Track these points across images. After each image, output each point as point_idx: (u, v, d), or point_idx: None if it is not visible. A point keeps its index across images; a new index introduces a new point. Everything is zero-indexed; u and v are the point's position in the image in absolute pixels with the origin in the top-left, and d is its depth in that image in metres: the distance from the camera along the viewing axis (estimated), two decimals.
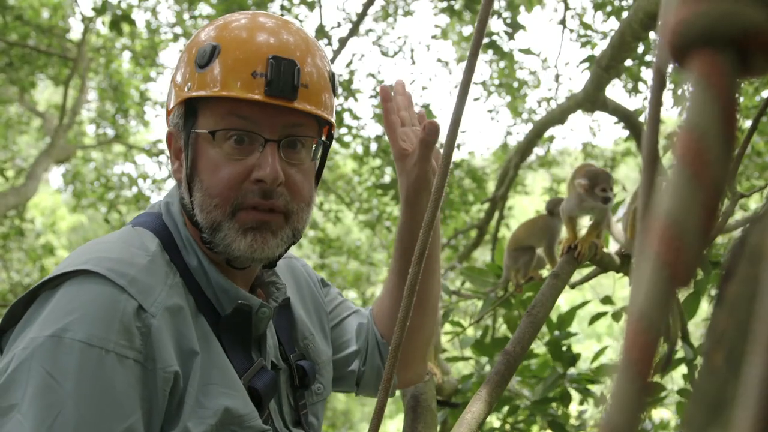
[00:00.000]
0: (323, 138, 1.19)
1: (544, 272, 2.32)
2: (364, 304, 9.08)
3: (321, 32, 5.98)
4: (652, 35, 3.23)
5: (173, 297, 1.00)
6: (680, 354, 2.08)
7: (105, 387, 0.89)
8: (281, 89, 1.05)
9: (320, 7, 5.87)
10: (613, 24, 6.13)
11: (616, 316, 2.30)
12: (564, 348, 2.32)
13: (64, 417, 0.86)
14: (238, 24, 1.11)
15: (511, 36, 5.68)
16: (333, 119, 1.16)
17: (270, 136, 1.07)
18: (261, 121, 1.06)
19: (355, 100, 6.56)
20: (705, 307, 2.22)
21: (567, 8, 6.79)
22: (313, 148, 1.16)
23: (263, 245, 1.07)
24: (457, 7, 5.71)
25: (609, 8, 5.82)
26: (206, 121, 1.08)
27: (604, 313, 2.38)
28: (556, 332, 2.32)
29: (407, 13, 8.15)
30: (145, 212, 1.18)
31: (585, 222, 2.09)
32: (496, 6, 5.63)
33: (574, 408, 2.69)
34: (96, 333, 0.90)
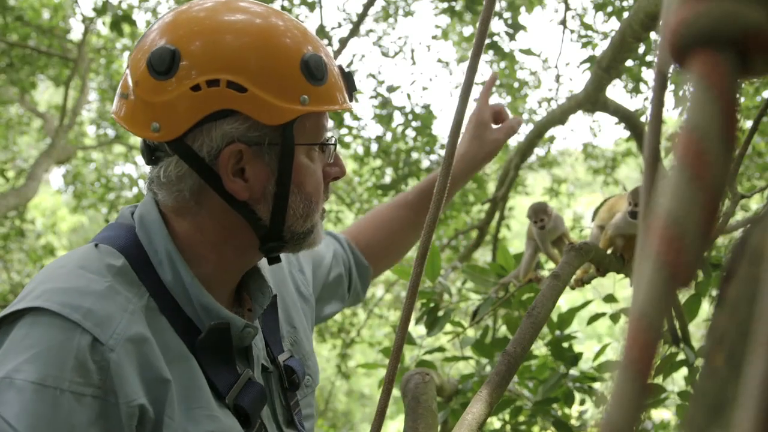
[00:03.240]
0: None
1: (545, 272, 2.32)
2: (365, 304, 9.08)
3: (321, 33, 5.98)
4: (652, 36, 3.24)
5: (135, 325, 0.95)
6: (681, 356, 2.08)
7: (62, 428, 0.86)
8: (351, 96, 1.13)
9: (320, 7, 5.87)
10: (614, 24, 6.14)
11: (614, 318, 2.31)
12: (565, 347, 2.32)
13: None
14: (299, 25, 1.09)
15: (511, 36, 5.68)
16: None
17: (332, 138, 1.14)
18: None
19: (356, 100, 6.56)
20: (706, 308, 2.22)
21: (567, 9, 6.79)
22: None
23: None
24: (457, 7, 5.71)
25: (610, 9, 5.82)
26: (303, 130, 1.07)
27: (603, 314, 2.38)
28: (557, 332, 2.32)
29: (408, 14, 8.15)
30: (112, 224, 1.12)
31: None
32: (496, 7, 5.63)
33: (575, 408, 2.68)
34: (49, 372, 0.87)
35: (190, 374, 1.00)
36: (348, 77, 1.12)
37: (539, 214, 2.25)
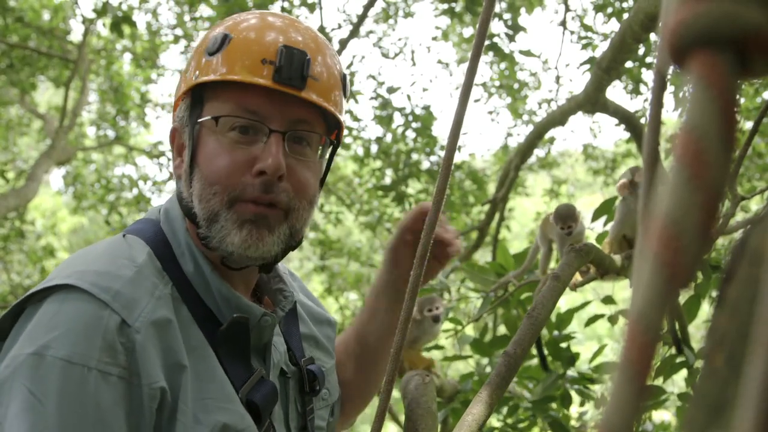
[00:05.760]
0: (332, 139, 1.17)
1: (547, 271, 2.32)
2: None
3: (321, 34, 5.97)
4: (652, 37, 3.24)
5: (160, 309, 0.97)
6: (681, 357, 2.08)
7: (88, 405, 0.87)
8: (290, 77, 1.03)
9: (321, 8, 5.88)
10: (614, 25, 6.14)
11: (612, 319, 2.31)
12: (563, 347, 2.32)
13: None
14: (251, 19, 1.11)
15: (511, 38, 5.68)
16: (342, 118, 1.14)
17: (276, 126, 1.04)
18: (267, 111, 1.04)
19: (356, 102, 6.56)
20: (706, 310, 2.22)
21: (567, 10, 6.80)
22: (320, 148, 1.15)
23: (258, 241, 1.04)
24: (458, 9, 5.71)
25: (609, 10, 5.83)
26: (211, 109, 1.06)
27: (602, 315, 2.38)
28: (555, 332, 2.33)
29: (408, 15, 8.16)
30: (141, 219, 1.15)
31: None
32: (496, 8, 5.63)
33: (574, 410, 2.68)
34: (78, 350, 0.88)
35: (207, 364, 1.01)
36: (296, 61, 1.04)
37: (567, 221, 2.16)
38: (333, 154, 1.21)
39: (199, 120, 1.06)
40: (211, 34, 1.10)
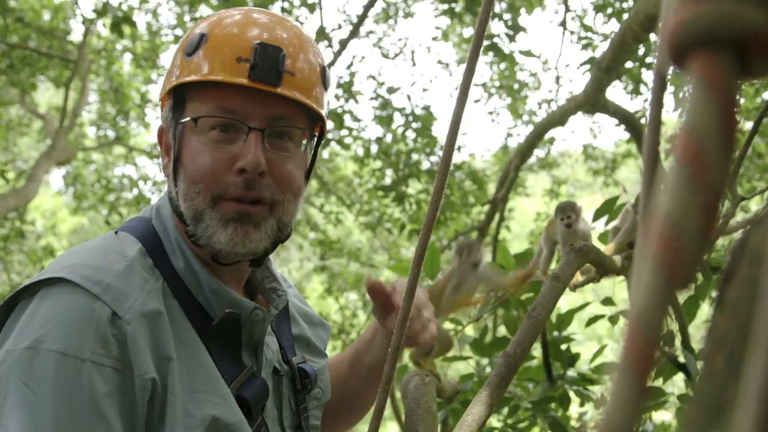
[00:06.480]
0: (316, 133, 1.17)
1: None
2: (365, 305, 9.08)
3: (321, 34, 5.98)
4: (652, 37, 3.24)
5: (151, 302, 0.98)
6: (680, 358, 2.08)
7: (83, 396, 0.88)
8: (265, 74, 1.03)
9: (321, 9, 5.88)
10: (614, 26, 6.14)
11: (613, 320, 2.31)
12: (563, 348, 2.32)
13: (43, 428, 0.86)
14: (229, 16, 1.11)
15: (511, 38, 5.68)
16: (323, 111, 1.14)
17: (255, 124, 1.05)
18: (246, 109, 1.05)
19: (356, 102, 6.56)
20: (705, 310, 2.22)
21: (567, 10, 6.80)
22: (304, 142, 1.15)
23: (245, 238, 1.05)
24: (457, 9, 5.71)
25: (609, 10, 5.83)
26: (192, 109, 1.07)
27: (602, 316, 2.38)
28: (555, 333, 2.33)
29: (408, 15, 8.16)
30: (134, 217, 1.17)
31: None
32: (496, 8, 5.64)
33: (574, 410, 2.68)
34: (71, 343, 0.90)
35: (197, 359, 1.02)
36: (270, 57, 1.04)
37: (567, 210, 2.20)
38: (317, 146, 1.21)
39: (181, 120, 1.08)
40: (190, 34, 1.11)
